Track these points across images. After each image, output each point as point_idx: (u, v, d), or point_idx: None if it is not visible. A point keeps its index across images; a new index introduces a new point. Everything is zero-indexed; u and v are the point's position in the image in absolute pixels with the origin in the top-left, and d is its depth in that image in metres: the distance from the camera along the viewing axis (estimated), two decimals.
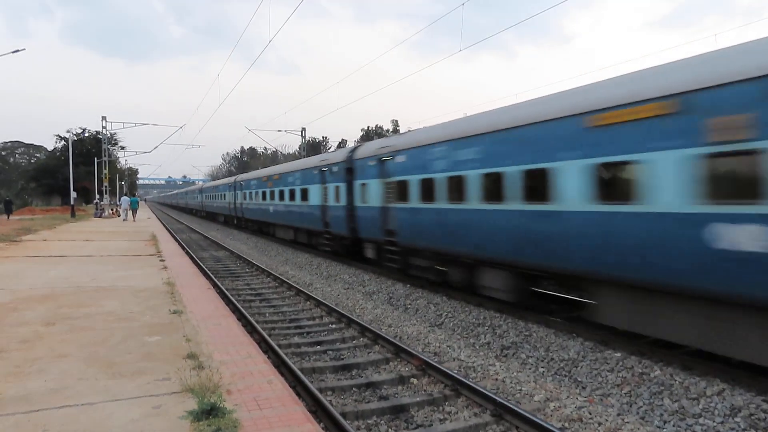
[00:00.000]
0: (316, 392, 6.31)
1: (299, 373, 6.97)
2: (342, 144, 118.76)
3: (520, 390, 6.99)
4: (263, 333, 9.02)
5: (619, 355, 7.83)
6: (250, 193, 32.21)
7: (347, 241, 17.86)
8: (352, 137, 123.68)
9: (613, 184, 7.74)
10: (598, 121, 7.86)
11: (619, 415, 6.16)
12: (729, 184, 6.33)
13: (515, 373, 7.61)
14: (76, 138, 73.37)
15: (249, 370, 5.85)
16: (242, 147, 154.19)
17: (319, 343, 9.24)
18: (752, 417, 5.84)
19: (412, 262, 13.75)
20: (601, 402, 6.56)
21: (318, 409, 6.02)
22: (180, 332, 7.28)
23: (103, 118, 47.75)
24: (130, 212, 41.28)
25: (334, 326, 10.32)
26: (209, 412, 4.51)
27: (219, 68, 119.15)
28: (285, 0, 37.29)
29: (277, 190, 26.01)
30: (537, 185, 8.98)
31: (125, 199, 42.38)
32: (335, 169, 18.29)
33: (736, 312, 6.38)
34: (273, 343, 8.40)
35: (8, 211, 42.27)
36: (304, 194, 21.86)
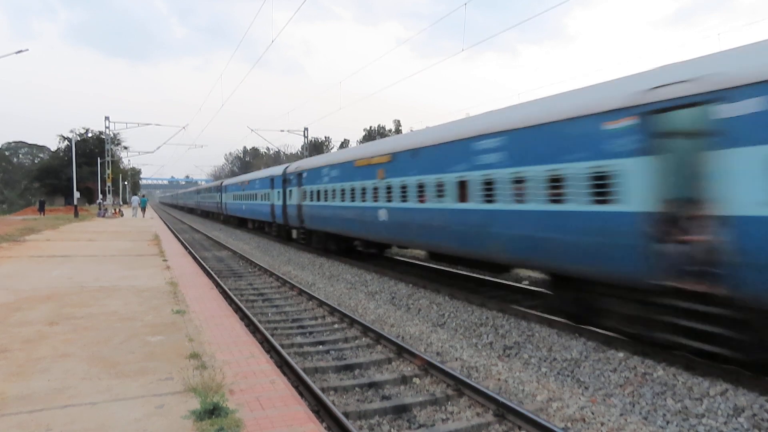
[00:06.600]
0: (319, 392, 6.31)
1: (302, 372, 6.97)
2: (345, 144, 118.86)
3: (523, 390, 6.98)
4: (266, 333, 9.03)
5: (621, 355, 7.82)
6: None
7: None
8: (355, 137, 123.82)
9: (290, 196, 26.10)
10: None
11: (621, 415, 6.15)
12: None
13: (518, 373, 7.60)
14: (79, 138, 73.71)
15: (251, 370, 5.86)
16: (245, 147, 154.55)
17: (321, 343, 9.24)
18: (755, 417, 5.83)
19: (230, 221, 43.61)
20: (604, 402, 6.55)
21: (320, 409, 6.02)
22: (183, 332, 7.29)
23: (106, 118, 48.05)
24: (139, 210, 47.10)
25: (336, 326, 10.33)
26: (212, 411, 4.52)
27: (222, 68, 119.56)
28: (288, 0, 37.52)
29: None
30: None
31: (135, 198, 49.17)
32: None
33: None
34: (275, 343, 8.41)
35: (41, 210, 49.48)
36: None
